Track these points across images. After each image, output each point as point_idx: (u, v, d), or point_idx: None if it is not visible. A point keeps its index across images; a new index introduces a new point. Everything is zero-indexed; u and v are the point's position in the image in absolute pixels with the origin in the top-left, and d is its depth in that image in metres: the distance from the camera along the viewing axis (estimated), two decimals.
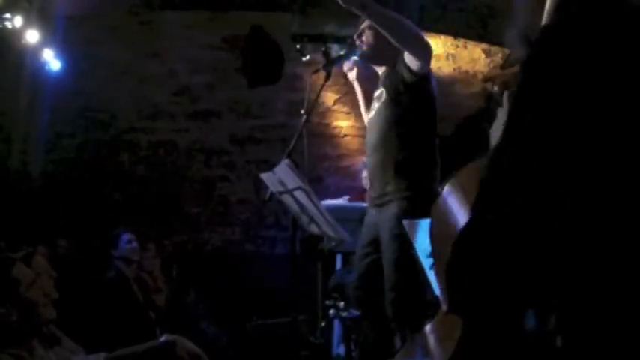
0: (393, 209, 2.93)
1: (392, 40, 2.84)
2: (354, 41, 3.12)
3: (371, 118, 3.12)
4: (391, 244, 2.84)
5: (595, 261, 0.98)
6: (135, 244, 4.42)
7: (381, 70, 3.17)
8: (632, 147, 0.97)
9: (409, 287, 2.75)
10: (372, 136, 3.09)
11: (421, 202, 2.80)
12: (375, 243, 3.04)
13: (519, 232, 1.06)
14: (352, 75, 3.37)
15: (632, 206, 0.96)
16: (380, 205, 3.02)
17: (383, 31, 2.84)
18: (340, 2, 2.69)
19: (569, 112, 0.99)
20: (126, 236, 4.41)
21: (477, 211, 1.16)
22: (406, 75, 2.94)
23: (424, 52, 2.92)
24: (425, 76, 2.97)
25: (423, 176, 2.96)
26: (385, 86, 3.06)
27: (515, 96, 1.08)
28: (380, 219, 3.03)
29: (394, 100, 3.00)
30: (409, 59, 2.91)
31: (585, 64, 1.00)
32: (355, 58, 3.18)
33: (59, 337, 2.89)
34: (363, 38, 3.08)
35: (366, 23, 3.06)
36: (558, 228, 1.00)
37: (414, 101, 2.99)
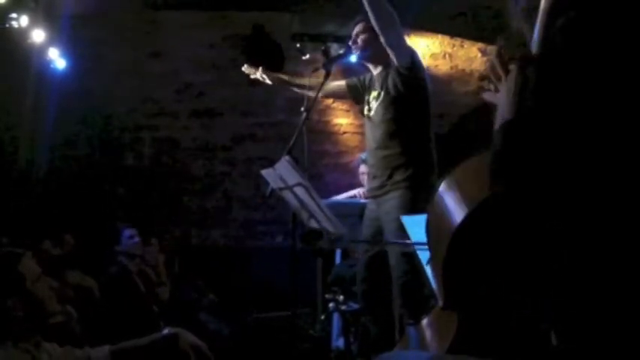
0: (394, 200, 3.03)
1: (374, 23, 2.94)
2: (350, 45, 3.23)
3: (372, 115, 3.21)
4: (397, 234, 2.86)
5: (591, 258, 0.99)
6: (137, 239, 4.44)
7: (376, 70, 3.27)
8: (635, 143, 0.97)
9: (418, 275, 2.80)
10: (373, 133, 3.19)
11: (420, 191, 2.93)
12: (376, 236, 3.13)
13: (513, 227, 1.10)
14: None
15: (629, 203, 0.97)
16: (380, 196, 3.11)
17: (369, 11, 2.90)
18: None
19: (580, 111, 1.01)
20: (128, 232, 4.43)
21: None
22: (401, 73, 3.07)
23: (399, 41, 3.06)
24: (418, 72, 3.12)
25: (421, 167, 3.08)
26: (383, 86, 3.16)
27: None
28: (380, 211, 3.11)
29: (394, 99, 3.12)
30: (393, 56, 3.04)
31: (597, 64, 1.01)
32: (352, 57, 3.27)
33: (67, 331, 2.94)
34: (358, 42, 3.20)
35: (358, 28, 3.18)
36: (555, 224, 1.01)
37: (413, 99, 3.13)
